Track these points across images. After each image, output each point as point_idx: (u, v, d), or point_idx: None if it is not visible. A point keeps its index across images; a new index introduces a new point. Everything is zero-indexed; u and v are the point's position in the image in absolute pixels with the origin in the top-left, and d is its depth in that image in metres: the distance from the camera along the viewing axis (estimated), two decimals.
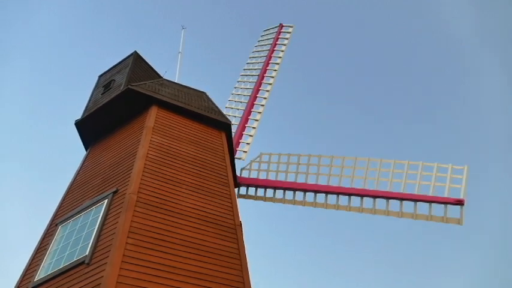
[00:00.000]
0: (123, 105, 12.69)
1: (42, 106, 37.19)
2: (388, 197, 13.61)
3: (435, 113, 36.89)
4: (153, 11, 44.18)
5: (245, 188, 15.27)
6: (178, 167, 10.78)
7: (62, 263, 8.75)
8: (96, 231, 8.81)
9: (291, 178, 14.84)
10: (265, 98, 17.28)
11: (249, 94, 17.68)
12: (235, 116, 17.13)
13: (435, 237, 33.14)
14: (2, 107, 33.61)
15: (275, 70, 18.34)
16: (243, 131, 16.45)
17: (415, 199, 13.33)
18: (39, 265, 9.26)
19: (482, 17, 34.43)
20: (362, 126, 39.16)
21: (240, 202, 14.90)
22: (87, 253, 8.35)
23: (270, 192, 15.00)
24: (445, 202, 13.02)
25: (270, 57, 19.00)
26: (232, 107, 17.68)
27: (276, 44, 19.59)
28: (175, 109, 12.73)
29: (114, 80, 13.92)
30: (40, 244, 10.22)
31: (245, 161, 15.52)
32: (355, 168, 14.32)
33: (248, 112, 16.97)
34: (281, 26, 20.50)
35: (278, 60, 18.70)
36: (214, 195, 10.68)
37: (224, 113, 17.25)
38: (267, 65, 18.67)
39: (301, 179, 14.70)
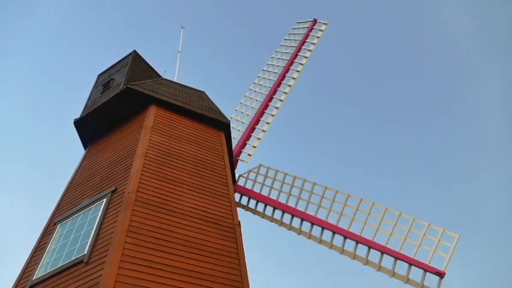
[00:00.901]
0: (122, 104, 12.70)
1: (41, 106, 37.20)
2: (370, 246, 12.77)
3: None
4: (152, 10, 44.19)
5: (239, 195, 15.02)
6: (177, 167, 10.79)
7: (61, 261, 8.75)
8: (95, 230, 8.82)
9: (282, 198, 14.18)
10: (281, 101, 16.67)
11: (266, 93, 17.14)
12: (247, 114, 16.73)
13: None
14: (2, 107, 33.65)
15: (298, 71, 17.53)
16: (252, 132, 16.10)
17: (396, 256, 12.40)
18: (37, 263, 9.26)
19: (482, 17, 34.43)
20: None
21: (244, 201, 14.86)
22: (85, 252, 8.36)
23: (260, 206, 14.47)
24: (426, 269, 12.04)
25: (296, 55, 18.14)
26: (247, 104, 17.20)
27: (304, 42, 18.56)
28: (174, 108, 12.73)
29: (113, 79, 13.92)
30: (39, 243, 10.22)
31: (248, 164, 15.30)
32: (345, 205, 13.43)
33: (261, 113, 16.49)
34: (315, 21, 19.24)
35: (303, 61, 17.83)
36: (213, 194, 10.68)
37: (237, 109, 17.09)
38: (291, 64, 17.85)
39: (292, 202, 13.88)
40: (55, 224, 10.36)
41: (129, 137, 11.79)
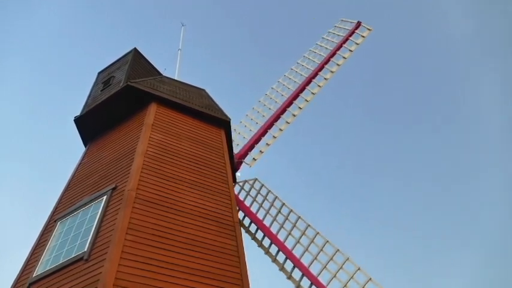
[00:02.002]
0: (123, 101, 12.68)
1: (41, 106, 37.20)
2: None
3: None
4: (152, 9, 44.15)
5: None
6: (177, 164, 10.77)
7: (61, 259, 8.74)
8: (95, 227, 8.81)
9: (267, 221, 13.36)
10: (300, 108, 15.95)
11: (287, 95, 16.32)
12: (263, 115, 16.12)
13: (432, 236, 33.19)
14: (2, 107, 33.64)
15: (325, 78, 16.58)
16: (263, 135, 15.61)
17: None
18: (38, 261, 9.25)
19: (482, 17, 34.42)
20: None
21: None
22: (85, 249, 8.35)
23: (247, 221, 13.86)
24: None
25: (328, 60, 17.10)
26: (266, 103, 16.53)
27: (340, 46, 17.39)
28: (174, 106, 12.72)
29: (113, 76, 13.91)
30: (39, 240, 10.21)
31: (251, 168, 15.01)
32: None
33: (276, 117, 15.79)
34: (358, 24, 17.98)
35: (334, 68, 16.81)
36: (213, 192, 10.67)
37: (254, 107, 16.52)
38: (320, 70, 16.83)
39: (274, 228, 13.11)
40: (55, 221, 10.34)
41: (129, 134, 11.77)
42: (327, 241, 12.12)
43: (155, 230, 8.74)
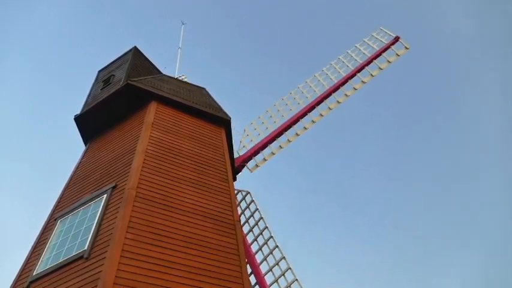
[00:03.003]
0: (123, 100, 12.67)
1: (41, 105, 37.17)
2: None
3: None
4: (153, 7, 44.11)
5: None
6: (177, 163, 10.77)
7: (61, 257, 8.73)
8: (95, 226, 8.80)
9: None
10: (313, 122, 15.48)
11: (304, 105, 15.87)
12: (275, 121, 15.78)
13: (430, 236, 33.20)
14: (2, 107, 33.61)
15: (346, 95, 15.95)
16: (271, 143, 15.34)
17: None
18: (38, 259, 9.25)
19: (482, 17, 34.39)
20: None
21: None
22: (85, 248, 8.34)
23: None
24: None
25: (354, 74, 16.42)
26: (280, 109, 16.03)
27: (372, 62, 16.60)
28: (175, 105, 12.70)
29: (113, 75, 13.89)
30: (39, 238, 10.20)
31: (253, 173, 15.02)
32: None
33: (286, 127, 15.39)
34: (397, 38, 17.18)
35: (357, 85, 16.20)
36: (213, 190, 10.66)
37: (268, 110, 15.94)
38: (343, 84, 16.17)
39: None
40: (55, 219, 10.34)
41: (129, 133, 11.76)
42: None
43: (155, 228, 8.74)
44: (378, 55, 16.68)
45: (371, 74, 16.22)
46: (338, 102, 15.80)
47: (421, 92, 38.69)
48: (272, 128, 15.56)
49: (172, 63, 17.84)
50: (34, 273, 8.88)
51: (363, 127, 39.63)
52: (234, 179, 14.72)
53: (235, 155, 15.24)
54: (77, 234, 9.09)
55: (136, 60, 14.42)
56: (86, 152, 12.94)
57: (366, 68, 16.37)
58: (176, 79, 15.22)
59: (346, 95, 15.92)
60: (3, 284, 9.76)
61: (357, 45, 17.27)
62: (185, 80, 17.77)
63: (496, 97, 32.58)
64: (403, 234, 35.02)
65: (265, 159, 15.02)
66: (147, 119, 11.63)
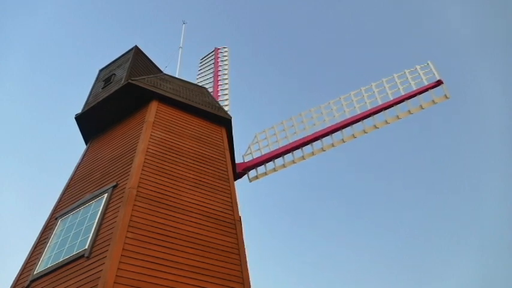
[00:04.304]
0: (123, 99, 12.67)
1: (42, 104, 37.19)
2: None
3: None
4: (153, 6, 44.07)
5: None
6: (178, 162, 10.77)
7: (62, 256, 8.75)
8: (96, 225, 8.81)
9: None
10: (323, 150, 15.24)
11: (320, 128, 15.52)
12: (286, 137, 15.70)
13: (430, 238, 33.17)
14: (2, 107, 33.64)
15: (365, 131, 15.35)
16: (276, 158, 15.37)
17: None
18: (38, 258, 9.26)
19: (482, 17, 34.30)
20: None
21: (244, 199, 14.97)
22: (86, 247, 8.36)
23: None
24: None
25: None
26: (295, 124, 15.77)
27: (403, 101, 15.54)
28: (175, 104, 12.70)
29: (114, 74, 13.89)
30: (40, 237, 10.22)
31: (251, 183, 15.12)
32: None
33: (293, 147, 15.30)
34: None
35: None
36: (214, 190, 10.67)
37: (283, 122, 15.55)
38: (366, 117, 15.50)
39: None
40: (56, 218, 10.35)
41: (130, 132, 11.77)
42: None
43: (156, 227, 8.74)
44: (412, 95, 15.10)
45: (397, 116, 14.91)
46: (354, 136, 14.94)
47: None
48: (282, 143, 15.23)
49: (173, 61, 17.82)
50: (35, 272, 8.89)
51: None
52: (235, 178, 14.73)
53: (241, 160, 15.33)
54: (78, 233, 9.11)
55: (137, 59, 14.41)
56: (86, 151, 12.95)
57: (395, 106, 15.05)
58: (177, 78, 15.22)
59: (364, 131, 15.03)
60: (4, 283, 9.79)
61: (395, 75, 15.58)
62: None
63: (496, 97, 32.52)
64: (403, 234, 35.01)
65: (266, 173, 14.96)
66: (148, 118, 11.63)
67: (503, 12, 32.36)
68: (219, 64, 19.27)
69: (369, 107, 15.22)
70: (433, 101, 15.00)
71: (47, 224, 10.59)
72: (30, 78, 37.02)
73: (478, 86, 34.36)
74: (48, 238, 9.79)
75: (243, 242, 9.89)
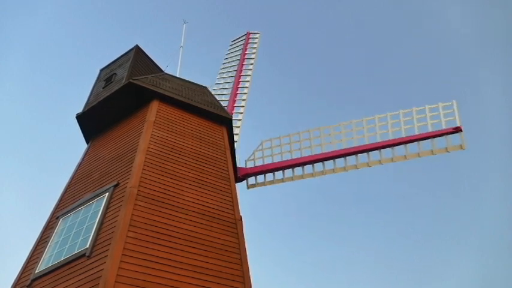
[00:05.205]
0: (124, 99, 12.67)
1: (43, 103, 37.20)
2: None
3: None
4: (154, 5, 44.09)
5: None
6: (179, 161, 10.78)
7: (63, 255, 8.77)
8: (97, 224, 8.83)
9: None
10: (323, 173, 15.09)
11: (324, 151, 15.20)
12: (290, 151, 15.67)
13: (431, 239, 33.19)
14: (3, 104, 33.65)
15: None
16: (277, 171, 15.41)
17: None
18: (40, 257, 9.28)
19: (482, 17, 34.29)
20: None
21: (245, 198, 14.97)
22: (87, 246, 8.37)
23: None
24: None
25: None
26: (301, 140, 15.75)
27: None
28: (176, 103, 12.71)
29: (115, 73, 13.90)
30: (41, 237, 10.24)
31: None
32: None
33: (296, 164, 15.12)
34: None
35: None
36: (214, 189, 10.68)
37: (290, 135, 15.42)
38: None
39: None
40: (57, 218, 10.37)
41: (131, 131, 11.78)
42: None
43: (157, 227, 8.75)
44: (426, 137, 14.13)
45: (405, 156, 14.07)
46: (356, 166, 14.55)
47: (421, 93, 38.61)
48: (284, 157, 15.11)
49: (174, 61, 17.81)
50: (36, 271, 8.91)
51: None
52: (236, 178, 14.73)
53: (243, 165, 15.38)
54: (79, 232, 9.12)
55: (138, 58, 14.41)
56: (87, 150, 12.96)
57: (404, 145, 14.23)
58: (178, 78, 15.22)
59: (368, 164, 14.52)
60: (4, 283, 9.80)
61: (414, 109, 14.53)
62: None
63: (497, 97, 32.50)
64: (402, 234, 35.03)
65: (264, 184, 14.96)
66: (149, 117, 11.64)
67: (503, 12, 32.36)
68: (247, 48, 19.10)
69: (378, 138, 14.52)
70: (446, 148, 13.99)
71: (48, 223, 10.60)
72: (30, 78, 37.03)
73: (478, 85, 34.35)
74: (49, 237, 9.80)
75: (244, 241, 9.90)
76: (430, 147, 13.95)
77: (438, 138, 14.29)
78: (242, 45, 19.66)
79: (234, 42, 20.63)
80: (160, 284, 7.80)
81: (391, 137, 14.34)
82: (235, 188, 11.40)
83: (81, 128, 13.49)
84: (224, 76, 18.49)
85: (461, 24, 35.43)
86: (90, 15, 41.72)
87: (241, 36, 20.45)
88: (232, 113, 16.12)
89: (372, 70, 41.25)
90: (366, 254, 34.01)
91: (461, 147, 13.90)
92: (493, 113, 32.49)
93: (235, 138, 15.34)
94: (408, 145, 14.13)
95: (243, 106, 16.50)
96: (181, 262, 8.42)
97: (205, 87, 15.20)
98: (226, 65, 19.20)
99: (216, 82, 18.46)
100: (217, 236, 9.47)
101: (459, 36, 36.09)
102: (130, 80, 12.36)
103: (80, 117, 13.26)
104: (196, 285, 8.24)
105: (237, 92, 17.07)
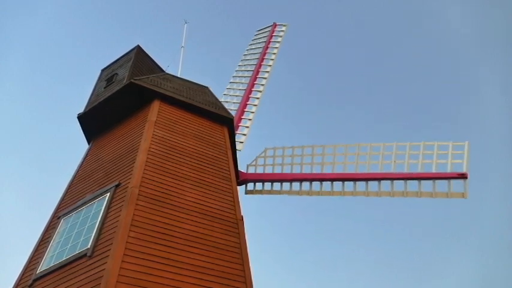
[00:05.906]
0: (126, 99, 12.68)
1: (44, 103, 37.22)
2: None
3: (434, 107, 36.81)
4: (154, 5, 44.11)
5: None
6: (180, 161, 10.79)
7: (64, 255, 8.77)
8: (99, 224, 8.83)
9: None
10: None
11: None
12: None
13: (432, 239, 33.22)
14: (3, 104, 33.67)
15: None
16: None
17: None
18: (41, 257, 9.29)
19: (482, 17, 34.31)
20: (360, 118, 39.03)
21: (246, 197, 14.91)
22: (89, 246, 8.38)
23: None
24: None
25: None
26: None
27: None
28: (177, 103, 12.71)
29: (116, 73, 13.91)
30: (42, 237, 10.25)
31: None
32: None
33: (294, 179, 14.96)
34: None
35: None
36: (216, 189, 10.68)
37: (293, 147, 15.28)
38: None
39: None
40: (59, 218, 10.38)
41: (132, 131, 11.78)
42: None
43: (158, 227, 8.76)
44: (428, 177, 13.51)
45: (403, 192, 13.52)
46: (352, 193, 14.14)
47: (421, 93, 38.60)
48: (285, 170, 15.01)
49: (175, 61, 17.81)
50: (38, 271, 8.92)
51: (361, 128, 39.55)
52: (237, 177, 14.73)
53: (245, 170, 15.42)
54: (80, 232, 9.13)
55: (139, 59, 14.43)
56: (89, 150, 12.98)
57: (404, 181, 13.67)
58: (179, 78, 15.23)
59: (366, 193, 14.05)
60: (4, 283, 9.80)
61: (422, 143, 13.98)
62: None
63: (497, 97, 32.49)
64: (402, 233, 35.06)
65: (261, 192, 14.92)
66: (150, 117, 11.65)
67: (503, 12, 32.35)
68: (271, 41, 18.77)
69: (380, 168, 14.08)
70: (447, 193, 13.32)
71: (50, 223, 10.61)
72: (30, 78, 37.00)
73: (478, 86, 34.35)
74: (50, 237, 9.81)
75: (245, 241, 9.91)
76: (431, 189, 13.24)
77: (441, 180, 13.55)
78: (266, 37, 19.20)
79: (258, 32, 20.12)
80: (161, 284, 7.80)
81: (393, 168, 13.78)
82: (236, 188, 11.41)
83: (82, 128, 13.51)
84: (240, 75, 18.20)
85: (461, 24, 35.40)
86: (90, 15, 41.71)
87: (267, 27, 19.87)
88: (243, 112, 16.17)
89: (372, 70, 41.27)
90: (366, 252, 34.03)
91: (463, 195, 13.09)
92: (492, 112, 32.48)
93: (243, 139, 15.45)
94: (408, 181, 13.53)
95: (256, 105, 16.40)
96: (183, 262, 8.42)
97: (207, 87, 15.20)
98: (248, 57, 18.88)
99: (231, 81, 18.18)
100: (219, 236, 9.48)
101: (459, 36, 36.04)
102: (132, 80, 12.36)
103: (81, 118, 13.27)
104: (197, 285, 8.24)
105: (251, 93, 16.92)
